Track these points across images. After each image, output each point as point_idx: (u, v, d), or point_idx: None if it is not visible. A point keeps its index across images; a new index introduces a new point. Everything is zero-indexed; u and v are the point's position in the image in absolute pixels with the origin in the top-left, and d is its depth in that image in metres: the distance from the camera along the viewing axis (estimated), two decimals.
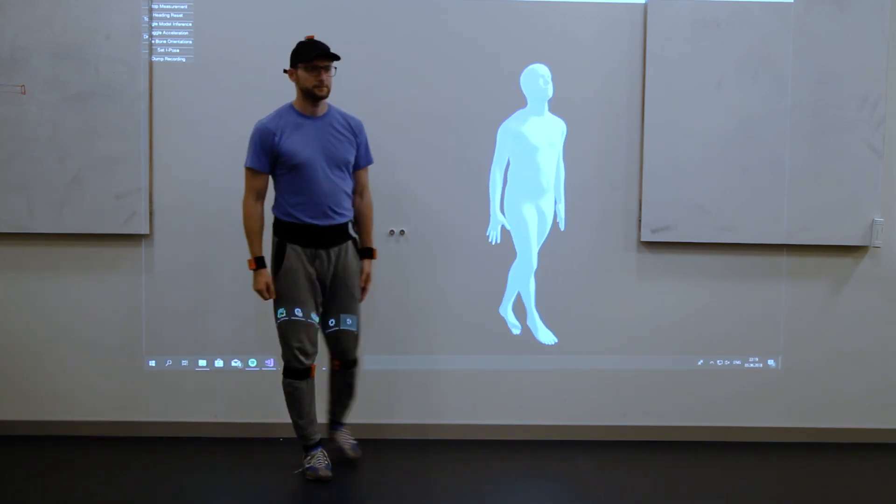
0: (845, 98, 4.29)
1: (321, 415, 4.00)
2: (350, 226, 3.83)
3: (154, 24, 4.22)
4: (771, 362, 4.45)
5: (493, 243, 4.33)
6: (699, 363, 4.44)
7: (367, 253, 3.89)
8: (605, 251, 4.37)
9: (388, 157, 4.17)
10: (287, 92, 4.25)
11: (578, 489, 3.85)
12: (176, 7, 4.23)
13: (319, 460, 3.82)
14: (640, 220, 4.34)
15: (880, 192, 4.34)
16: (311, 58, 3.64)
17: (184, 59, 4.25)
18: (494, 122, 4.31)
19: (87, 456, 4.10)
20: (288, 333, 3.75)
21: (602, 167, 4.35)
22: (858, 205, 4.33)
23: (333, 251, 3.76)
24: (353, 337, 3.89)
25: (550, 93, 4.29)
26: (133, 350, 4.33)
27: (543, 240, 4.36)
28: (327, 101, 3.77)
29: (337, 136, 3.73)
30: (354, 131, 3.79)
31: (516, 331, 4.37)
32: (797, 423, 4.46)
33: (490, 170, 4.31)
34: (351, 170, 3.80)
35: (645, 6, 4.29)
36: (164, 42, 4.24)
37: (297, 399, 3.81)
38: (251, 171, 3.73)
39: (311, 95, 3.68)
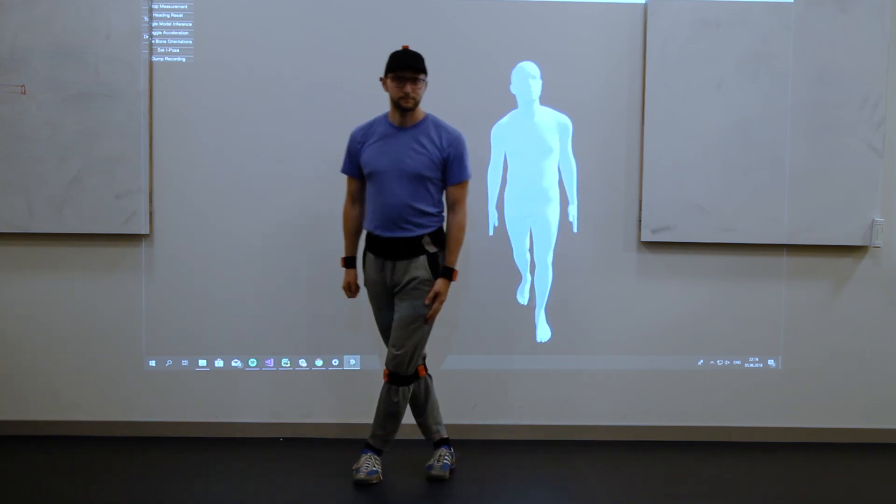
0: (845, 98, 4.29)
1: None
2: (425, 241, 3.69)
3: (154, 24, 4.23)
4: (771, 362, 4.45)
5: (488, 235, 4.36)
6: (699, 363, 4.44)
7: (444, 272, 3.70)
8: (605, 251, 4.38)
9: None
10: (288, 93, 4.26)
11: (578, 489, 3.85)
12: (176, 7, 4.23)
13: (438, 459, 3.88)
14: (640, 220, 4.34)
15: (880, 192, 4.34)
16: (395, 68, 3.62)
17: (184, 59, 4.25)
18: (492, 120, 4.31)
19: (87, 456, 4.09)
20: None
21: (602, 167, 4.35)
22: (858, 205, 4.33)
23: (400, 264, 3.69)
24: (401, 331, 3.67)
25: (538, 90, 4.29)
26: (133, 350, 4.33)
27: (553, 241, 4.36)
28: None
29: (417, 150, 3.64)
30: (444, 145, 3.66)
31: (541, 338, 4.39)
32: (797, 423, 4.46)
33: (487, 169, 4.33)
34: (432, 185, 3.67)
35: (645, 6, 4.29)
36: (164, 42, 4.24)
37: (410, 397, 3.82)
38: (345, 174, 3.83)
39: (397, 106, 3.65)
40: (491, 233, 4.35)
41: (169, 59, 4.24)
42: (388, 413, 3.76)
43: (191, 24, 4.24)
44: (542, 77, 4.30)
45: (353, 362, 4.38)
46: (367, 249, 3.79)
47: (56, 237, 4.27)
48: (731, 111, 4.29)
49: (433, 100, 4.22)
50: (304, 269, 4.33)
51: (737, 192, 4.32)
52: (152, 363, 4.35)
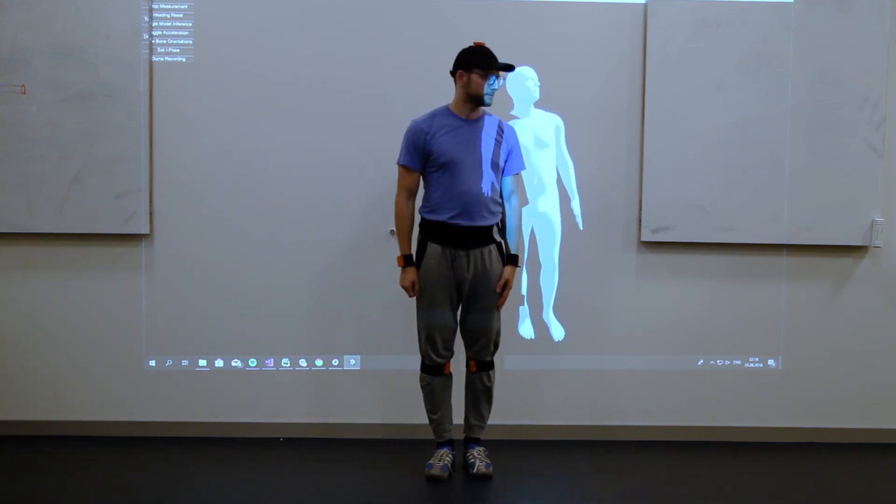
0: (845, 98, 4.29)
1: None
2: (495, 230, 3.79)
3: (154, 24, 4.23)
4: (771, 362, 4.45)
5: None
6: (699, 363, 4.44)
7: (509, 259, 3.82)
8: (605, 251, 4.38)
9: (386, 157, 4.15)
10: (288, 93, 4.26)
11: (578, 489, 3.85)
12: (176, 7, 4.23)
13: (440, 459, 3.86)
14: (640, 220, 4.34)
15: (880, 192, 4.34)
16: (489, 66, 3.66)
17: (184, 59, 4.25)
18: None
19: (87, 456, 4.10)
20: (422, 331, 3.82)
21: (602, 167, 4.35)
22: (858, 205, 4.33)
23: (474, 253, 3.73)
24: (489, 336, 3.83)
25: (537, 95, 4.30)
26: (133, 350, 4.33)
27: (558, 240, 4.36)
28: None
29: (489, 140, 3.73)
30: (505, 136, 3.79)
31: (557, 337, 4.40)
32: (797, 423, 4.46)
33: None
34: (499, 175, 3.78)
35: (645, 6, 4.29)
36: (164, 42, 4.24)
37: (429, 394, 3.87)
38: (403, 168, 3.78)
39: (479, 101, 3.70)
40: None
41: (169, 59, 4.24)
42: (483, 399, 3.90)
43: (191, 24, 4.24)
44: (542, 78, 4.30)
45: (353, 362, 4.38)
46: (427, 240, 3.77)
47: (56, 237, 4.27)
48: (731, 111, 4.29)
49: (434, 100, 4.22)
50: (305, 268, 4.33)
51: (737, 192, 4.32)
52: (152, 363, 4.35)
